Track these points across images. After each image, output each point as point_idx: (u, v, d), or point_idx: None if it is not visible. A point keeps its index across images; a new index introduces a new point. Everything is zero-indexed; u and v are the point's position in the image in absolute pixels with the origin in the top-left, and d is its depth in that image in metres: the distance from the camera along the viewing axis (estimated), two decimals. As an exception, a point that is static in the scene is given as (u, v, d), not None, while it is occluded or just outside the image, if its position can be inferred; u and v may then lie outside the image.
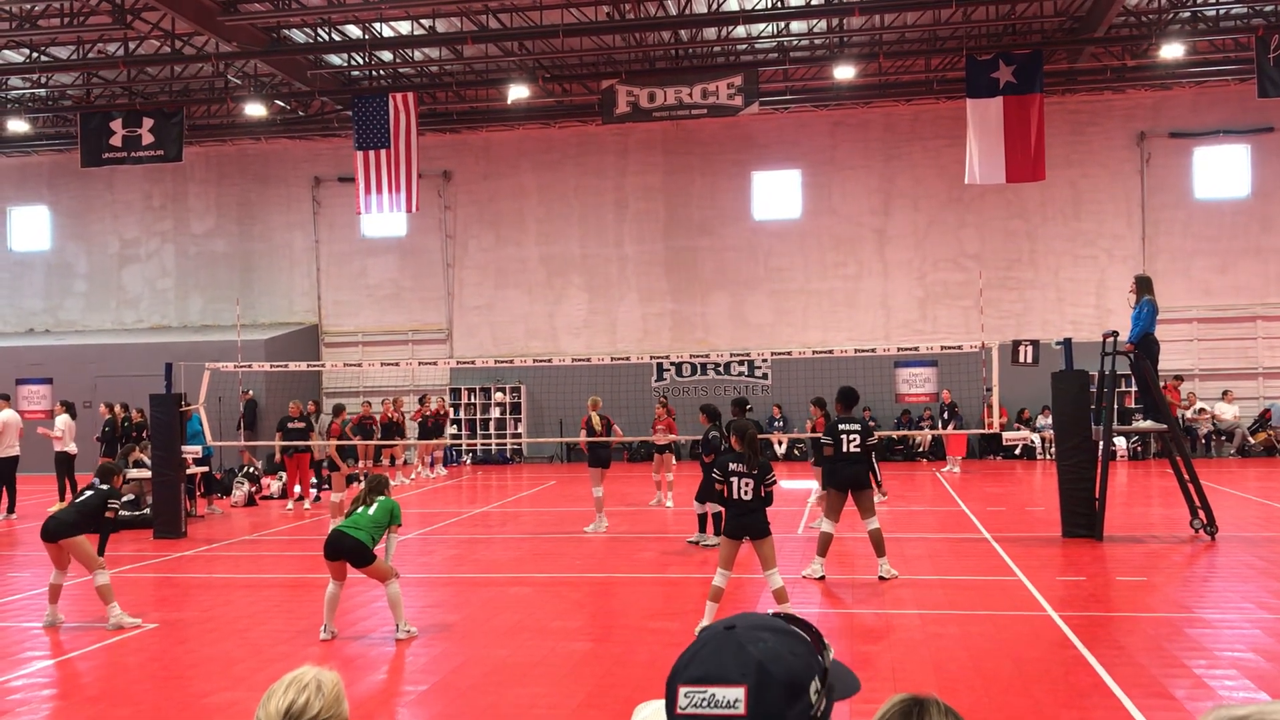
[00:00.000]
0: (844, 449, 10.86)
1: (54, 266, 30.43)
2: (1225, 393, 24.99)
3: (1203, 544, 12.53)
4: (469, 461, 27.93)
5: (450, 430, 27.37)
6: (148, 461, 16.40)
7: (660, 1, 20.92)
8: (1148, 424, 14.22)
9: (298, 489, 18.89)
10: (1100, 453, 13.11)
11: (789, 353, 21.05)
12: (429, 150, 27.35)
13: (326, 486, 19.26)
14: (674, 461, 17.82)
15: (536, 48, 22.51)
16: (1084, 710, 6.56)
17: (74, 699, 7.53)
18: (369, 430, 19.62)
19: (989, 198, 26.06)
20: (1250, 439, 24.54)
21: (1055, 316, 25.95)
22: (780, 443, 25.82)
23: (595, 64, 24.01)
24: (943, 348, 18.18)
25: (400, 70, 25.11)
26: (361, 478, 15.32)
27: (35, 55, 22.69)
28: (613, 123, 22.56)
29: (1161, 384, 14.19)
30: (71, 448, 19.04)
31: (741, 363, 26.76)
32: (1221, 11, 21.50)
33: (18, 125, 26.74)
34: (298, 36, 22.45)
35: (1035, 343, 14.83)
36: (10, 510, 18.08)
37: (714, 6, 21.04)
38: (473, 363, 22.76)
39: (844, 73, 23.33)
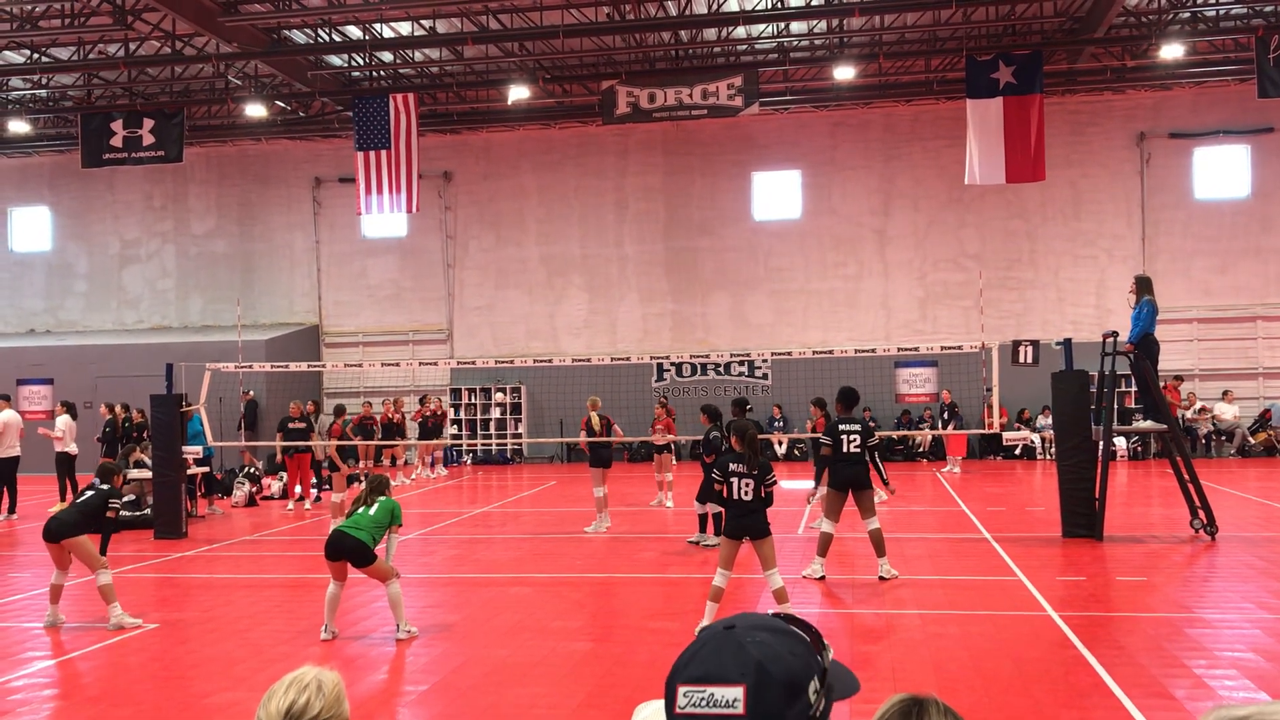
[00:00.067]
0: (844, 449, 10.87)
1: (55, 267, 30.44)
2: (1225, 393, 25.00)
3: (1203, 544, 12.54)
4: (469, 462, 27.93)
5: (450, 430, 27.39)
6: (148, 462, 16.41)
7: (660, 2, 20.92)
8: (1148, 424, 14.22)
9: (298, 489, 18.90)
10: (1100, 453, 13.12)
11: (789, 353, 21.06)
12: (429, 151, 27.35)
13: (327, 487, 19.27)
14: (673, 462, 17.82)
15: (537, 48, 22.51)
16: (1084, 710, 6.57)
17: (75, 699, 7.54)
18: (369, 431, 19.62)
19: (989, 198, 26.07)
20: (1250, 439, 24.54)
21: (1055, 316, 25.96)
22: (780, 443, 25.83)
23: (595, 65, 24.02)
24: (943, 348, 18.18)
25: (401, 71, 25.12)
26: (362, 478, 15.34)
27: (36, 56, 22.70)
28: (613, 123, 22.57)
29: (1161, 384, 14.20)
30: (72, 448, 19.05)
31: (742, 363, 26.77)
32: (1221, 12, 21.50)
33: (19, 126, 26.75)
34: (298, 37, 22.46)
35: (1035, 343, 14.84)
36: (11, 511, 18.09)
37: (714, 7, 21.05)
38: (473, 363, 22.75)
39: (844, 73, 23.34)
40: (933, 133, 26.41)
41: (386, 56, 23.99)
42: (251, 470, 20.48)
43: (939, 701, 1.60)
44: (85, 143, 22.44)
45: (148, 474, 16.23)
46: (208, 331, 28.53)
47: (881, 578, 10.71)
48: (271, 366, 20.66)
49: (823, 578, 10.79)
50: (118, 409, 21.18)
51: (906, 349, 20.56)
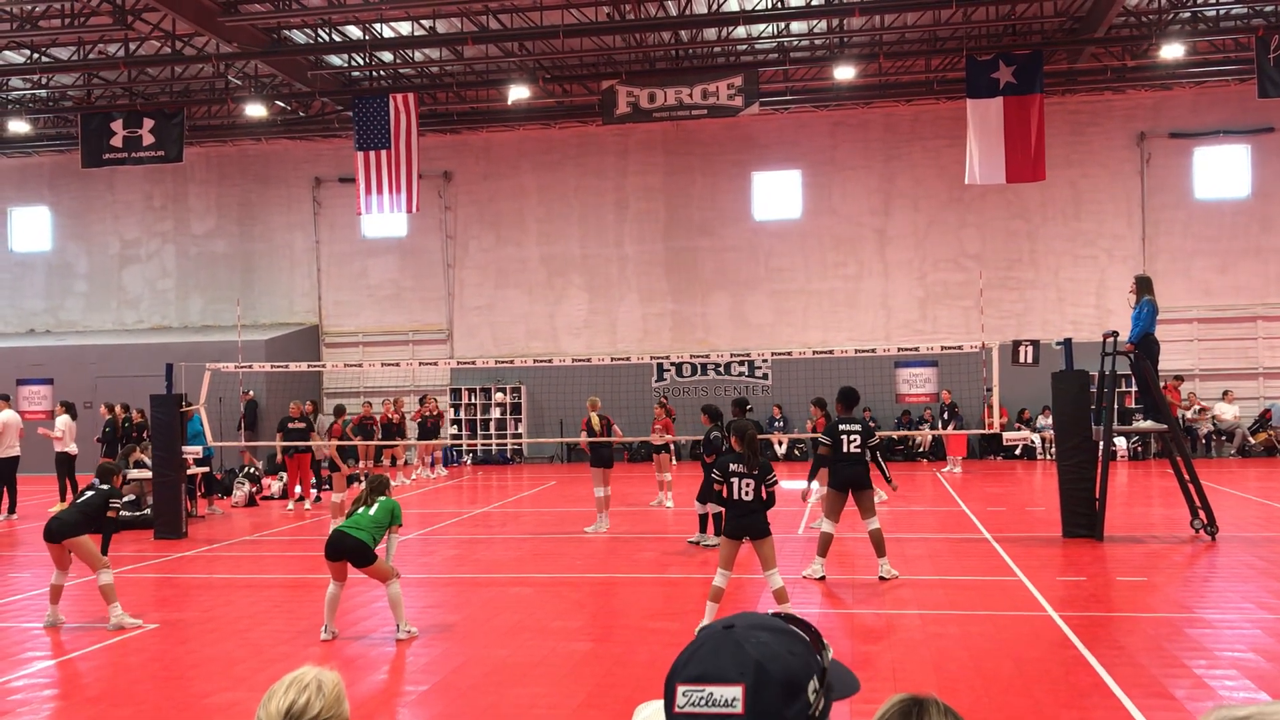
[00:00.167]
0: (844, 449, 10.87)
1: (55, 267, 30.44)
2: (1225, 393, 24.99)
3: (1203, 544, 12.53)
4: (469, 462, 27.93)
5: (451, 430, 27.39)
6: (148, 462, 16.40)
7: (660, 2, 20.92)
8: (1148, 424, 14.22)
9: (298, 489, 18.90)
10: (1100, 453, 13.12)
11: (789, 353, 21.05)
12: (429, 151, 27.35)
13: (327, 487, 19.27)
14: (671, 462, 17.80)
15: (537, 48, 22.51)
16: (1084, 710, 6.57)
17: (75, 699, 7.54)
18: (369, 431, 19.62)
19: (989, 198, 26.07)
20: (1250, 439, 24.54)
21: (1055, 316, 25.95)
22: (780, 443, 25.83)
23: (595, 64, 24.02)
24: (943, 348, 18.18)
25: (401, 71, 25.12)
26: (362, 478, 15.34)
27: (36, 56, 22.70)
28: (613, 123, 22.57)
29: (1162, 384, 14.19)
30: (72, 448, 19.05)
31: (742, 363, 26.77)
32: (1221, 12, 21.50)
33: (19, 126, 26.75)
34: (298, 37, 22.46)
35: (1035, 343, 14.83)
36: (11, 511, 18.09)
37: (714, 7, 21.05)
38: (473, 363, 22.77)
39: (844, 73, 23.34)
40: (933, 133, 26.41)
41: (386, 56, 23.99)
42: (251, 470, 20.48)
43: (939, 701, 1.60)
44: (85, 143, 22.44)
45: (148, 474, 16.23)
46: (208, 331, 28.53)
47: (882, 578, 10.71)
48: (271, 366, 20.67)
49: (823, 578, 10.78)
50: (118, 409, 21.18)
51: (907, 349, 20.56)
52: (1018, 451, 24.92)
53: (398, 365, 23.65)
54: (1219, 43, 23.34)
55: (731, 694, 1.43)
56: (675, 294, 27.68)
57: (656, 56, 24.22)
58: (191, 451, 16.50)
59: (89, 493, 9.80)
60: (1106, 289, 25.78)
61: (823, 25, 22.62)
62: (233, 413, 24.24)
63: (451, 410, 27.85)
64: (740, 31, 22.15)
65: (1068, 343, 14.10)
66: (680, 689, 1.46)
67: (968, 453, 23.92)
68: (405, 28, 22.27)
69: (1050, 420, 19.86)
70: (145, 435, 18.78)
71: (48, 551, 9.68)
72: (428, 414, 23.52)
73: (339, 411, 18.96)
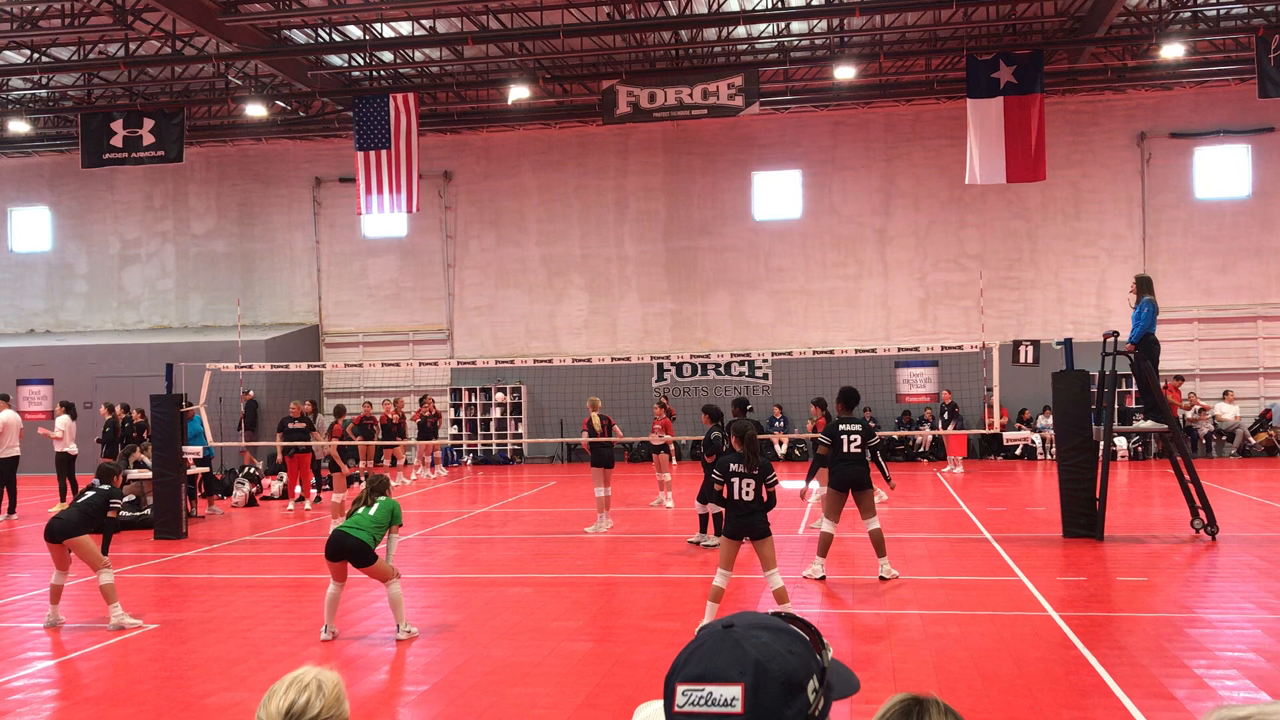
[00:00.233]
0: (845, 449, 10.86)
1: (55, 267, 30.44)
2: (1226, 393, 24.99)
3: (1203, 544, 12.53)
4: (469, 462, 27.93)
5: (451, 430, 27.39)
6: (148, 462, 16.40)
7: (660, 2, 20.92)
8: (1148, 424, 14.21)
9: (298, 489, 18.90)
10: (1101, 453, 13.11)
11: (789, 353, 21.06)
12: (429, 151, 27.36)
13: (327, 487, 19.28)
14: (670, 462, 17.79)
15: (537, 48, 22.52)
16: (1084, 710, 6.56)
17: (75, 699, 7.54)
18: (370, 431, 19.63)
19: (990, 198, 26.07)
20: (1251, 439, 24.54)
21: (1056, 316, 25.95)
22: (781, 443, 25.84)
23: (596, 64, 24.02)
24: (943, 348, 18.16)
25: (401, 71, 25.12)
26: (362, 478, 15.33)
27: (36, 56, 22.71)
28: (613, 123, 22.56)
29: (1162, 384, 14.19)
30: (72, 448, 19.05)
31: (742, 363, 26.78)
32: (1222, 11, 21.50)
33: (19, 126, 26.76)
34: (298, 37, 22.46)
35: (1036, 343, 14.84)
36: (11, 511, 18.09)
37: (714, 7, 21.05)
38: (473, 363, 22.75)
39: (844, 73, 23.34)
40: (933, 132, 26.42)
41: (387, 56, 24.00)
42: (251, 470, 20.48)
43: (939, 701, 1.60)
44: (85, 143, 22.45)
45: (148, 474, 16.23)
46: (208, 331, 28.54)
47: (882, 578, 10.71)
48: (271, 366, 20.66)
49: (823, 578, 10.78)
50: (118, 409, 21.19)
51: (907, 349, 20.56)
52: (1018, 451, 24.92)
53: (398, 365, 23.64)
54: (1219, 42, 23.34)
55: (731, 693, 1.42)
56: (675, 294, 27.68)
57: (657, 56, 24.22)
58: (192, 452, 16.50)
59: (89, 493, 9.81)
60: (1107, 289, 25.78)
61: (823, 25, 22.62)
62: (233, 413, 24.25)
63: (451, 410, 27.86)
64: (740, 31, 22.15)
65: (1068, 343, 14.09)
66: (680, 688, 1.46)
67: (968, 453, 23.92)
68: (405, 28, 22.27)
69: (1050, 420, 19.86)
70: (145, 435, 18.79)
71: (48, 551, 9.68)
72: (427, 414, 23.55)
73: (339, 412, 18.95)
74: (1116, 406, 14.63)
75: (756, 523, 8.54)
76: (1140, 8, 21.77)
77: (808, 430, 17.83)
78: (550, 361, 20.31)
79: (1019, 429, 24.56)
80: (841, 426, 10.96)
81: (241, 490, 19.45)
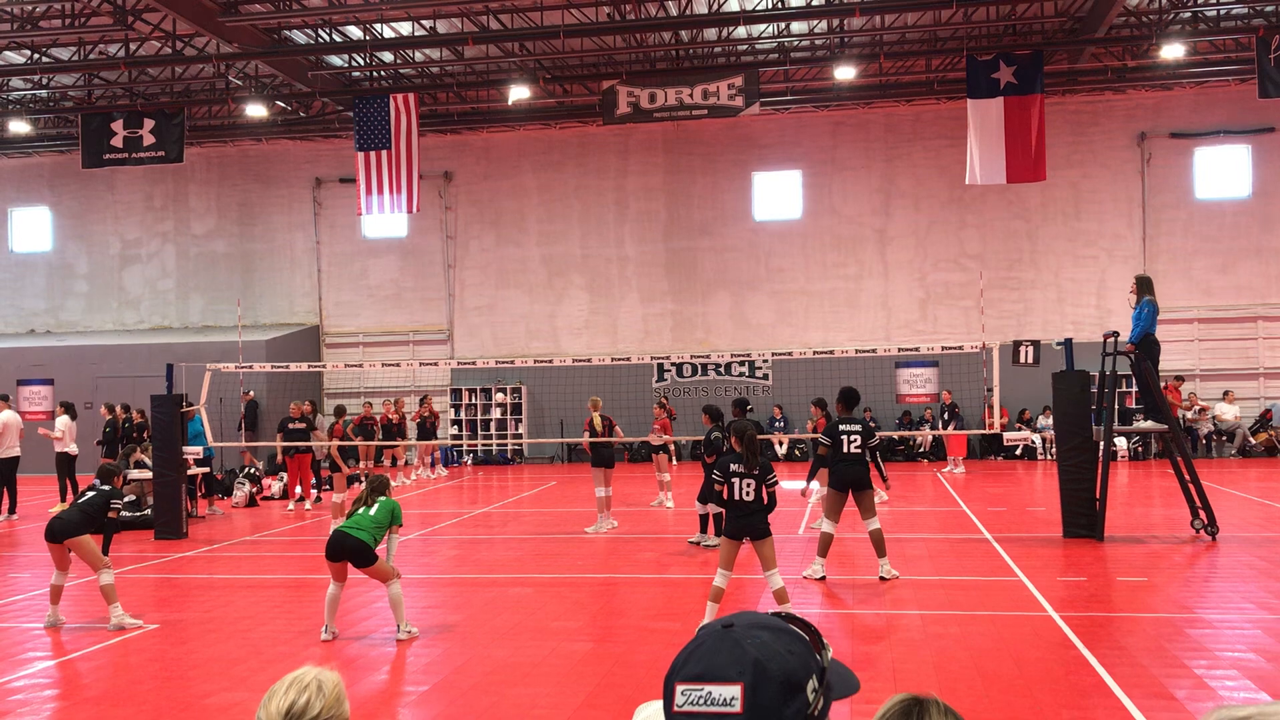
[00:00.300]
0: (845, 449, 10.87)
1: (55, 267, 30.45)
2: (1226, 393, 24.99)
3: (1203, 544, 12.53)
4: (470, 462, 27.93)
5: (451, 430, 27.40)
6: (149, 462, 16.41)
7: (661, 2, 20.92)
8: (1148, 424, 14.21)
9: (299, 490, 18.90)
10: (1101, 453, 13.11)
11: (790, 353, 21.08)
12: (430, 151, 27.36)
13: (328, 487, 19.28)
14: (669, 462, 17.78)
15: (537, 48, 22.52)
16: (1084, 710, 6.56)
17: (75, 699, 7.54)
18: (370, 431, 19.63)
19: (990, 198, 26.07)
20: (1251, 439, 24.54)
21: (1056, 317, 25.95)
22: (781, 443, 25.84)
23: (596, 65, 24.03)
24: (943, 348, 18.17)
25: (401, 71, 25.12)
26: (363, 478, 15.34)
27: (37, 56, 22.71)
28: (613, 123, 22.56)
29: (1162, 384, 14.19)
30: (72, 448, 19.05)
31: (742, 363, 26.78)
32: (1222, 12, 21.50)
33: (19, 126, 26.77)
34: (298, 37, 22.46)
35: (1036, 343, 14.83)
36: (11, 511, 18.09)
37: (714, 7, 21.05)
38: (474, 363, 22.77)
39: (845, 73, 23.34)
40: (933, 133, 26.42)
41: (387, 56, 24.00)
42: (252, 471, 20.49)
43: (939, 701, 1.60)
44: (85, 143, 22.45)
45: (148, 475, 16.23)
46: (208, 332, 28.54)
47: (882, 578, 10.71)
48: (272, 367, 20.66)
49: (823, 578, 10.78)
50: (118, 409, 21.19)
51: (907, 349, 20.57)
52: (1018, 452, 24.92)
53: (398, 366, 23.64)
54: (1219, 43, 23.34)
55: (730, 693, 1.42)
56: (676, 294, 27.68)
57: (657, 56, 24.23)
58: (192, 452, 16.51)
59: (90, 493, 9.81)
60: (1107, 289, 25.78)
61: (823, 25, 22.62)
62: (233, 413, 24.25)
63: (452, 410, 27.87)
64: (740, 31, 22.15)
65: (1068, 343, 14.10)
66: (679, 688, 1.46)
67: (968, 453, 23.93)
68: (406, 28, 22.28)
69: (1051, 420, 19.86)
70: (145, 436, 18.79)
71: (48, 551, 9.68)
72: (425, 414, 23.57)
73: (339, 412, 18.96)
74: (1117, 407, 14.63)
75: (756, 523, 8.54)
76: (1140, 8, 21.77)
77: (808, 430, 17.83)
78: (550, 362, 20.30)
79: (1019, 429, 24.55)
80: (841, 427, 10.96)
81: (242, 490, 19.46)
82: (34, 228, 30.69)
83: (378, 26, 21.93)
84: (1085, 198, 26.08)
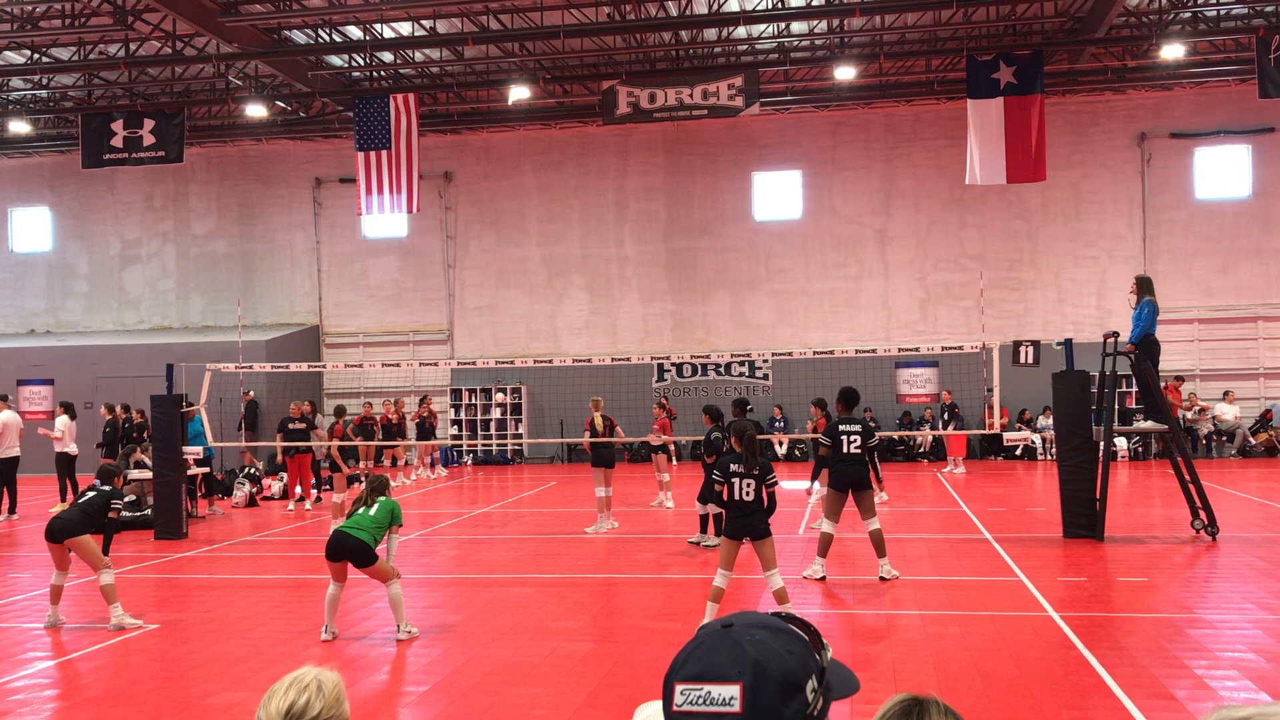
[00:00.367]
0: (845, 449, 10.87)
1: (55, 267, 30.45)
2: (1226, 393, 24.99)
3: (1204, 545, 12.53)
4: (470, 462, 27.93)
5: (451, 431, 27.40)
6: (149, 462, 16.41)
7: (661, 2, 20.92)
8: (1149, 424, 14.21)
9: (299, 490, 18.90)
10: (1101, 453, 13.11)
11: (790, 353, 21.08)
12: (430, 151, 27.36)
13: (328, 487, 19.28)
14: (668, 462, 17.77)
15: (537, 49, 22.52)
16: (1085, 710, 6.56)
17: (75, 699, 7.54)
18: (370, 431, 19.63)
19: (990, 198, 26.07)
20: (1251, 439, 24.54)
21: (1056, 317, 25.96)
22: (781, 444, 25.84)
23: (596, 65, 24.03)
24: (944, 348, 18.17)
25: (401, 71, 25.12)
26: (363, 478, 15.33)
27: (36, 56, 22.72)
28: (613, 123, 22.56)
29: (1162, 384, 14.19)
30: (72, 448, 19.05)
31: (742, 363, 26.78)
32: (1222, 12, 21.50)
33: (19, 126, 26.77)
34: (298, 37, 22.47)
35: (1036, 343, 14.83)
36: (11, 511, 18.10)
37: (714, 7, 21.05)
38: (474, 363, 22.77)
39: (845, 73, 23.34)
40: (933, 133, 26.42)
41: (387, 57, 24.00)
42: (252, 471, 20.49)
43: (939, 701, 1.60)
44: (86, 143, 22.45)
45: (148, 475, 16.24)
46: (208, 332, 28.55)
47: (882, 578, 10.71)
48: (272, 367, 20.66)
49: (823, 578, 10.78)
50: (118, 409, 21.19)
51: (907, 349, 20.57)
52: (1018, 452, 24.92)
53: (398, 366, 23.64)
54: (1219, 43, 23.34)
55: (729, 692, 1.42)
56: (676, 294, 27.69)
57: (657, 57, 24.23)
58: (192, 452, 16.51)
59: (90, 493, 9.81)
60: (1107, 289, 25.78)
61: (823, 25, 22.62)
62: (233, 413, 24.26)
63: (452, 411, 27.87)
64: (740, 32, 22.15)
65: (1068, 343, 14.09)
66: (678, 687, 1.46)
67: (968, 453, 23.93)
68: (406, 28, 22.28)
69: (1051, 420, 19.86)
70: (146, 436, 18.79)
71: (48, 551, 9.68)
72: (424, 415, 23.58)
73: (339, 412, 18.96)
74: (1117, 407, 14.63)
75: (756, 523, 8.54)
76: (1140, 8, 21.77)
77: (808, 431, 17.83)
78: (550, 362, 20.29)
79: (1019, 429, 24.56)
80: (841, 427, 10.96)
81: (242, 490, 19.46)
82: (34, 228, 30.69)
83: (378, 26, 21.93)
84: (1085, 198, 26.08)
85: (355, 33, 22.32)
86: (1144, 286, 13.35)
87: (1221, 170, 25.73)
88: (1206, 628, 8.60)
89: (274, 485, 20.46)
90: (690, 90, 20.83)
